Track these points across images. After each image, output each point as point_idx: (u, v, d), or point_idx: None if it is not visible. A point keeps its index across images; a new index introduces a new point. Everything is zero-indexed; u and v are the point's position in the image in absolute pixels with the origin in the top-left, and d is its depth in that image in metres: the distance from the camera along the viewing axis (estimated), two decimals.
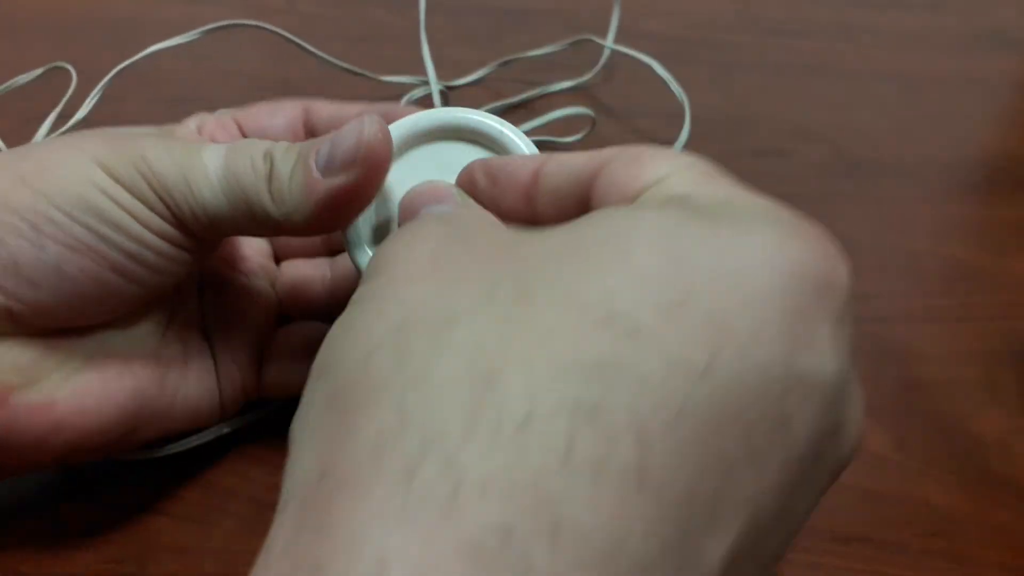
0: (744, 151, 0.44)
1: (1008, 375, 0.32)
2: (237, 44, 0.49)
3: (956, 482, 0.28)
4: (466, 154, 0.25)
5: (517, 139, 0.24)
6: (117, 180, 0.21)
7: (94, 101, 0.38)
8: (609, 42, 0.48)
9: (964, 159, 0.45)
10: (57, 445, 0.22)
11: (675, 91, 0.42)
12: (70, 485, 0.26)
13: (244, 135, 0.28)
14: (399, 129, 0.24)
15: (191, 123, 0.28)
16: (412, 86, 0.45)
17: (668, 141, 0.41)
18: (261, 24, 0.42)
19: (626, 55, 0.45)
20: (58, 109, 0.40)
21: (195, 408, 0.25)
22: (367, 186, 0.22)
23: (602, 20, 0.49)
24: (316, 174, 0.22)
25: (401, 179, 0.24)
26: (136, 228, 0.21)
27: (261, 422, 0.28)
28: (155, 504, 0.25)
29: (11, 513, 0.25)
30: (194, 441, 0.27)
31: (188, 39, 0.38)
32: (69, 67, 0.42)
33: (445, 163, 0.25)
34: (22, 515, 0.25)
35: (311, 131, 0.29)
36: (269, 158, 0.22)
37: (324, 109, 0.29)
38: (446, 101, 0.44)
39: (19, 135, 0.39)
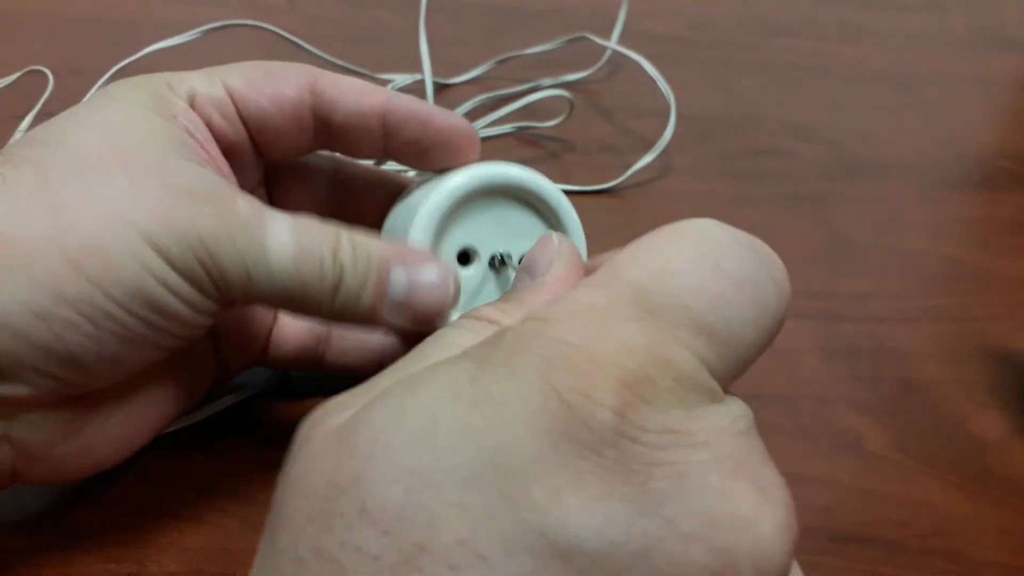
0: (744, 151, 0.44)
1: (1008, 375, 0.32)
2: (237, 44, 0.49)
3: (956, 482, 0.28)
4: (521, 218, 0.25)
5: (570, 208, 0.25)
6: (174, 267, 0.20)
7: None
8: (612, 41, 0.48)
9: (964, 159, 0.45)
10: (90, 472, 0.23)
11: (663, 89, 0.42)
12: (70, 486, 0.26)
13: (240, 115, 0.24)
14: (460, 190, 0.24)
15: (182, 93, 0.24)
16: (408, 85, 0.45)
17: (658, 141, 0.41)
18: (261, 24, 0.42)
19: (623, 55, 0.45)
20: (35, 111, 0.40)
21: (202, 387, 0.26)
22: (430, 328, 0.22)
23: (602, 20, 0.49)
24: (385, 309, 0.22)
25: (453, 237, 0.24)
26: (191, 316, 0.21)
27: (261, 420, 0.28)
28: (155, 504, 0.25)
29: (12, 513, 0.25)
30: (198, 416, 0.27)
31: (187, 39, 0.38)
32: (45, 70, 0.42)
33: (499, 223, 0.25)
34: (23, 515, 0.25)
35: (320, 114, 0.25)
36: (340, 267, 0.21)
37: (343, 98, 0.25)
38: (436, 96, 0.44)
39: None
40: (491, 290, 0.25)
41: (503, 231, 0.25)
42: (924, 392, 0.31)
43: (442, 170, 0.25)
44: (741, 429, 0.15)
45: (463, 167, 0.24)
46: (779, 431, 0.29)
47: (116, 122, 0.22)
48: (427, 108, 0.25)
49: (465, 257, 0.25)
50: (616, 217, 0.39)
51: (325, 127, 0.25)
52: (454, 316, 0.24)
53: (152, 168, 0.21)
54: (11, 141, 0.22)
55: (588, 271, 0.20)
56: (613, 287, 0.16)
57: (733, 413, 0.15)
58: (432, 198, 0.24)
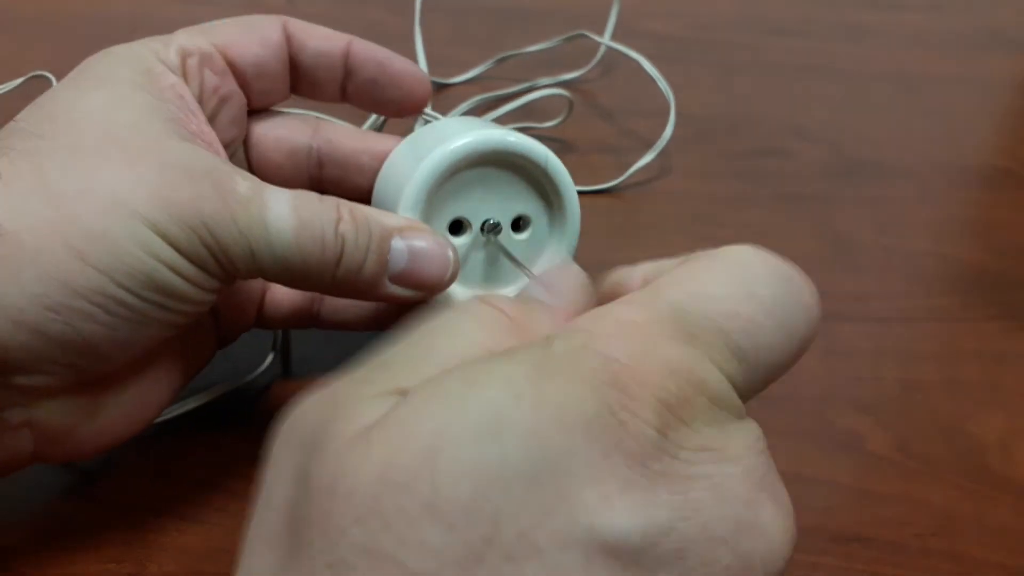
0: (743, 151, 0.44)
1: (1008, 375, 0.32)
2: None
3: (956, 482, 0.28)
4: (509, 181, 0.25)
5: (562, 169, 0.25)
6: (179, 250, 0.20)
7: None
8: (605, 38, 0.48)
9: (964, 159, 0.45)
10: (107, 447, 0.23)
11: (662, 88, 0.42)
12: (70, 485, 0.26)
13: (233, 65, 0.25)
14: (450, 157, 0.24)
15: (171, 58, 0.24)
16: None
17: (657, 140, 0.41)
18: None
19: (622, 54, 0.45)
20: None
21: (205, 356, 0.26)
22: (429, 297, 0.23)
23: (602, 19, 0.49)
24: (387, 280, 0.22)
25: (444, 206, 0.25)
26: (198, 295, 0.21)
27: (261, 420, 0.28)
28: (155, 504, 0.25)
29: (12, 513, 0.25)
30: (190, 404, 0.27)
31: None
32: (49, 75, 0.42)
33: (487, 188, 0.25)
34: (23, 515, 0.25)
35: (291, 55, 0.26)
36: (341, 239, 0.22)
37: (310, 40, 0.27)
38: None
39: None
40: (482, 257, 0.26)
41: (492, 196, 0.25)
42: (924, 392, 0.31)
43: (425, 136, 0.25)
44: (762, 448, 0.16)
45: (450, 133, 0.24)
46: (779, 431, 0.29)
47: (107, 105, 0.22)
48: (386, 52, 0.27)
49: (456, 226, 0.25)
50: (615, 217, 0.39)
51: (295, 68, 0.27)
52: (454, 287, 0.24)
53: (148, 150, 0.21)
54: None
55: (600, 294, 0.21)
56: (653, 306, 0.17)
57: (755, 432, 0.17)
58: (419, 173, 0.24)
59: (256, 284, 0.27)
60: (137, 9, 0.53)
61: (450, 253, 0.23)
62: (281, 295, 0.28)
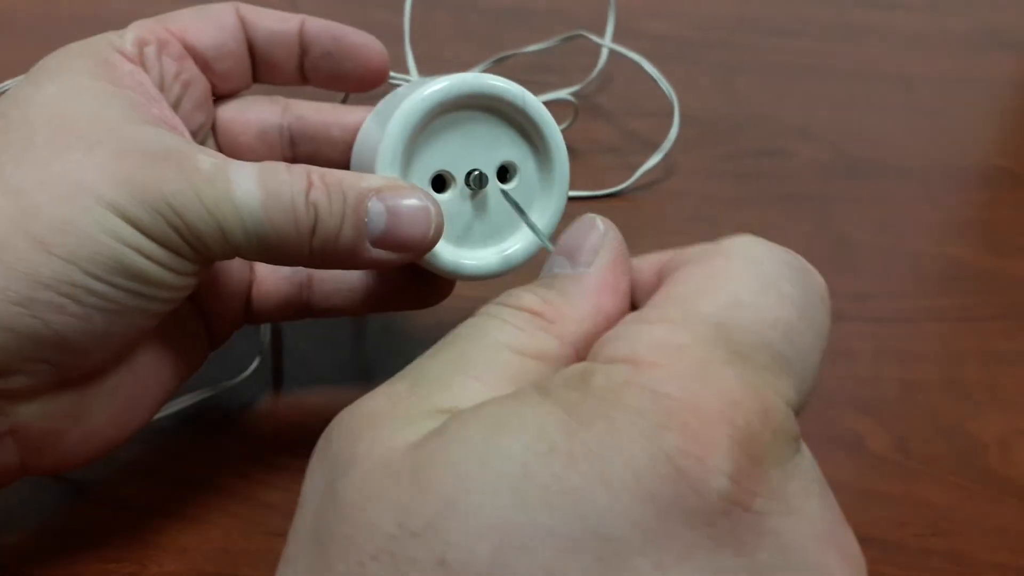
0: (744, 151, 0.44)
1: (1008, 375, 0.32)
2: None
3: (956, 482, 0.28)
4: (489, 126, 0.24)
5: (541, 107, 0.24)
6: (145, 233, 0.19)
7: None
8: (605, 39, 0.48)
9: (964, 159, 0.45)
10: (98, 455, 0.22)
11: (665, 90, 0.42)
12: (70, 485, 0.26)
13: (192, 51, 0.25)
14: (421, 105, 0.23)
15: (127, 48, 0.24)
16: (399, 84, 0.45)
17: (660, 141, 0.41)
18: None
19: (622, 55, 0.45)
20: None
21: (196, 358, 0.26)
22: (416, 258, 0.22)
23: (603, 20, 0.49)
24: (367, 244, 0.21)
25: (427, 151, 0.23)
26: (173, 279, 0.20)
27: (261, 420, 0.28)
28: (155, 504, 0.25)
29: (12, 513, 0.25)
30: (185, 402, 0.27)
31: None
32: None
33: (467, 137, 0.24)
34: (23, 515, 0.25)
35: (252, 43, 0.26)
36: (313, 207, 0.21)
37: (263, 22, 0.26)
38: None
39: None
40: (474, 213, 0.24)
41: (473, 145, 0.24)
42: (924, 392, 0.31)
43: (395, 97, 0.25)
44: (820, 491, 0.15)
45: (416, 89, 0.23)
46: None
47: (62, 96, 0.21)
48: (341, 26, 0.27)
49: (440, 182, 0.24)
50: (622, 221, 0.39)
51: (251, 52, 0.26)
52: (452, 251, 0.23)
53: (105, 136, 0.20)
54: None
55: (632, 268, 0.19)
56: (693, 325, 0.15)
57: (811, 470, 0.15)
58: (391, 126, 0.23)
59: (241, 276, 0.26)
60: (137, 9, 0.53)
61: (431, 207, 0.22)
62: (268, 287, 0.27)
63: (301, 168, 0.21)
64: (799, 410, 0.15)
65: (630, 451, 0.13)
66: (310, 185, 0.21)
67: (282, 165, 0.21)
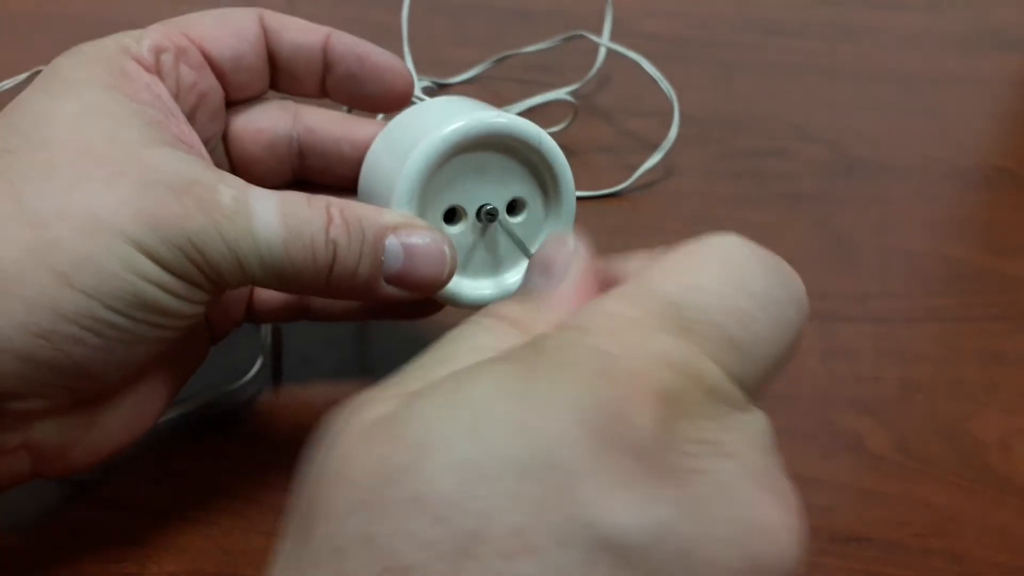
0: (743, 151, 0.44)
1: (1008, 375, 0.32)
2: None
3: (956, 482, 0.28)
4: (501, 163, 0.24)
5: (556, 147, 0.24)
6: (167, 269, 0.20)
7: None
8: (604, 39, 0.48)
9: (964, 159, 0.45)
10: (104, 459, 0.23)
11: (664, 89, 0.42)
12: (71, 486, 0.26)
13: (209, 59, 0.25)
14: (442, 145, 0.23)
15: (144, 55, 0.23)
16: None
17: (659, 141, 0.41)
18: None
19: (622, 55, 0.45)
20: None
21: (198, 358, 0.26)
22: (428, 296, 0.23)
23: (601, 20, 0.49)
24: (382, 282, 0.22)
25: (440, 189, 0.24)
26: (188, 309, 0.21)
27: (260, 421, 0.28)
28: (155, 504, 0.25)
29: (12, 514, 0.25)
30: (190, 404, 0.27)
31: None
32: None
33: (479, 173, 0.24)
34: (23, 516, 0.25)
35: (269, 48, 0.26)
36: (333, 245, 0.21)
37: (287, 33, 0.26)
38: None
39: None
40: (480, 245, 0.25)
41: (485, 180, 0.24)
42: (924, 392, 0.31)
43: (410, 122, 0.25)
44: (764, 443, 0.16)
45: (431, 117, 0.24)
46: (779, 431, 0.29)
47: (80, 114, 0.21)
48: (365, 45, 0.26)
49: (451, 214, 0.24)
50: (622, 221, 0.39)
51: (273, 63, 0.26)
52: (454, 279, 0.23)
53: (127, 164, 0.20)
54: None
55: (601, 273, 0.20)
56: (646, 300, 0.17)
57: (757, 427, 0.16)
58: (410, 164, 0.23)
59: None
60: (137, 8, 0.53)
61: (447, 249, 0.22)
62: (269, 291, 0.27)
63: (321, 202, 0.21)
64: (748, 387, 0.16)
65: (573, 394, 0.14)
66: (330, 221, 0.21)
67: (303, 198, 0.21)
